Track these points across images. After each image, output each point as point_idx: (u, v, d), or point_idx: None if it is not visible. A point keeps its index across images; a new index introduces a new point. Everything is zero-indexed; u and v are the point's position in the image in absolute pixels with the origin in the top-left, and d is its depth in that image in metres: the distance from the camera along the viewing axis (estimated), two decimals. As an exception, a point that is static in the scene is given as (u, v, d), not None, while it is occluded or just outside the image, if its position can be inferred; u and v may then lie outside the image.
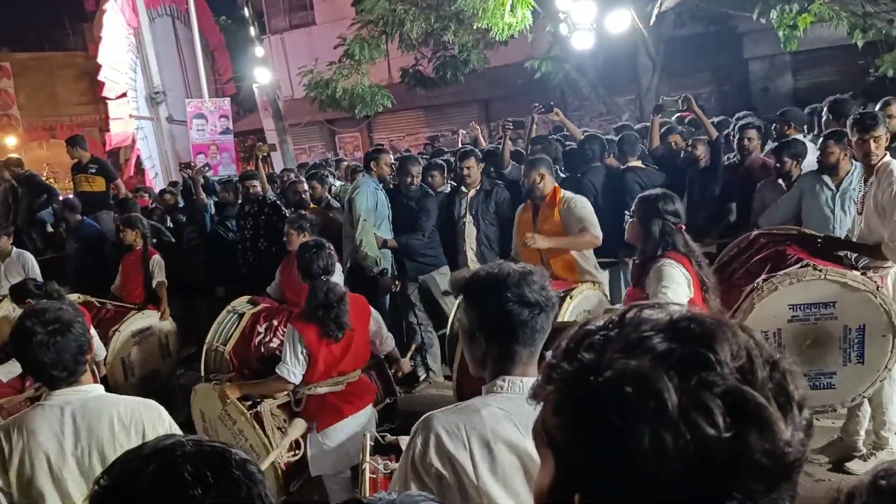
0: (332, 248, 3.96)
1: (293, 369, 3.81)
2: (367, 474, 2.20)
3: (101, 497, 1.05)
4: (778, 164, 5.36)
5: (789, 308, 3.72)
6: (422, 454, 1.74)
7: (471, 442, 1.72)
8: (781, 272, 3.73)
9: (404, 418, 4.55)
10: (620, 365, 0.78)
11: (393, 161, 6.50)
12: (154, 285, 6.27)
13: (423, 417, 1.82)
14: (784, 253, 4.07)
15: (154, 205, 9.22)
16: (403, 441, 2.41)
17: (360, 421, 3.91)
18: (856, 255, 4.19)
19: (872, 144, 4.10)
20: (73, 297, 5.84)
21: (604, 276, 5.54)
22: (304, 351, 3.80)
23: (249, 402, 4.01)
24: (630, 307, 0.86)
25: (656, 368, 0.76)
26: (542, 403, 0.90)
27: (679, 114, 7.63)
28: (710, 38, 13.96)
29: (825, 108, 6.26)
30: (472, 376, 2.00)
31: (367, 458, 2.28)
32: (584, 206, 4.90)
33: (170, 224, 8.46)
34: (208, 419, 4.28)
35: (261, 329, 5.21)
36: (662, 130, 6.69)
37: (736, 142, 6.26)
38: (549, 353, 0.90)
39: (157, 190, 13.21)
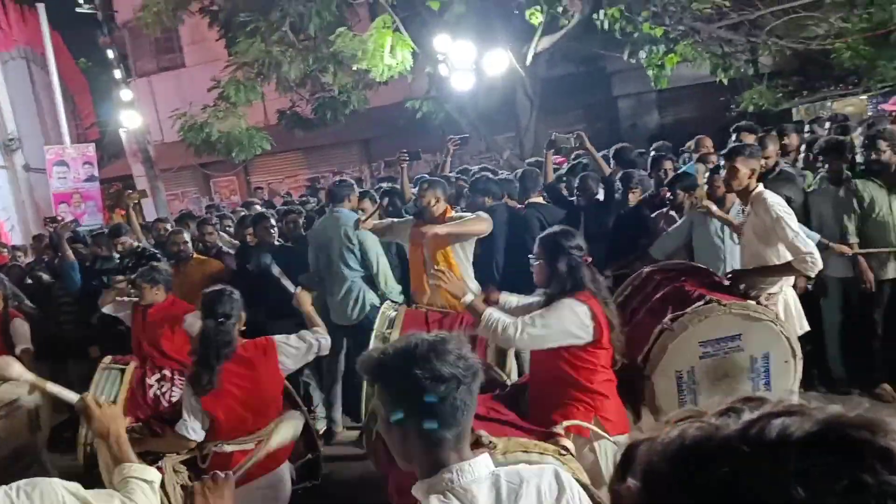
0: (236, 293, 3.66)
1: (192, 425, 3.51)
2: None
3: None
4: (671, 196, 5.51)
5: (700, 345, 3.73)
6: None
7: None
8: (689, 310, 3.74)
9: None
10: None
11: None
12: (18, 353, 5.63)
13: None
14: (683, 290, 4.09)
15: (12, 262, 8.45)
16: None
17: (272, 482, 3.62)
18: (745, 285, 4.27)
19: (740, 172, 4.25)
20: None
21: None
22: (199, 406, 3.49)
23: (151, 458, 3.62)
24: (753, 419, 0.71)
25: None
26: None
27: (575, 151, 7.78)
28: (582, 78, 14.55)
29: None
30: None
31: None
32: (468, 214, 5.14)
33: (28, 280, 7.75)
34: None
35: (151, 381, 4.88)
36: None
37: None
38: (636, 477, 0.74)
39: (12, 243, 12.19)
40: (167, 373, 5.03)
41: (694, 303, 3.82)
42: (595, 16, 10.02)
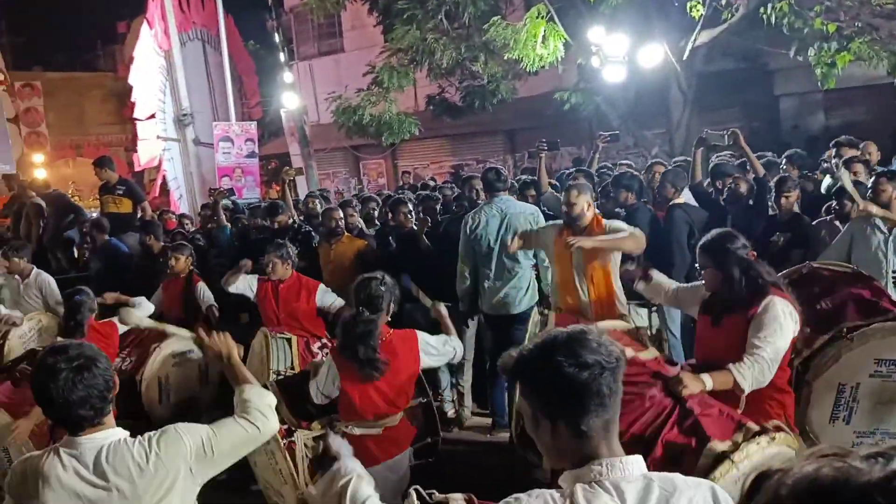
0: (388, 281, 3.79)
1: (322, 390, 3.76)
2: None
3: None
4: (837, 206, 5.19)
5: (874, 362, 3.48)
6: None
7: None
8: (877, 323, 3.47)
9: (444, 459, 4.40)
10: None
11: None
12: (204, 310, 6.27)
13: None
14: (863, 298, 3.75)
15: (177, 230, 9.16)
16: (454, 500, 2.21)
17: (393, 467, 3.74)
18: None
19: None
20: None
21: (642, 312, 5.37)
22: (338, 382, 3.68)
23: (286, 429, 3.88)
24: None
25: None
26: None
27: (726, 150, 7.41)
28: (742, 74, 13.83)
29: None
30: None
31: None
32: (624, 224, 4.79)
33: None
34: None
35: (315, 349, 5.42)
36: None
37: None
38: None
39: (180, 211, 13.21)
40: (326, 341, 5.44)
41: (880, 315, 3.57)
42: (761, 10, 9.51)
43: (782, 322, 3.19)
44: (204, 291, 6.34)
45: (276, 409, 3.62)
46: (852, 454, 0.69)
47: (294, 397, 4.08)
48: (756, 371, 3.14)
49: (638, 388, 2.86)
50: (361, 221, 7.57)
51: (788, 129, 14.59)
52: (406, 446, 3.85)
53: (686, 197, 5.98)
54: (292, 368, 4.96)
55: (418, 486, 2.21)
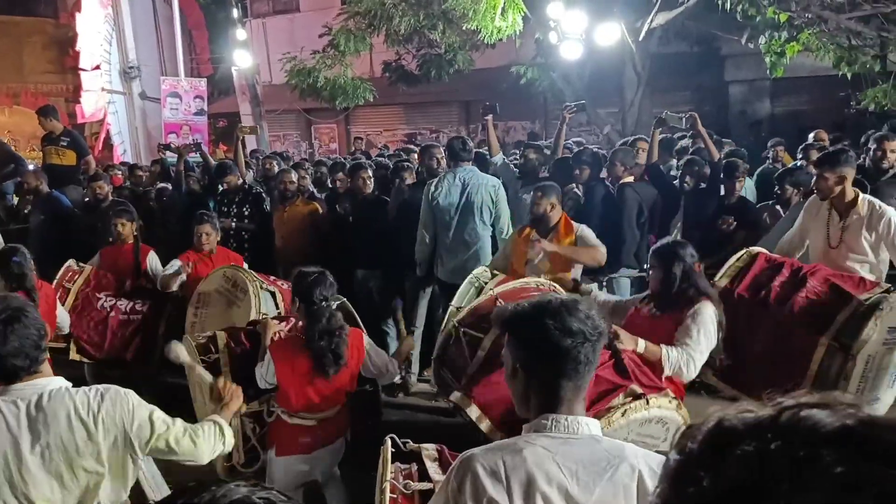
0: (332, 278, 3.73)
1: (265, 377, 3.68)
2: (388, 494, 2.05)
3: None
4: (779, 191, 5.37)
5: (888, 330, 3.64)
6: (455, 494, 1.64)
7: (511, 483, 1.62)
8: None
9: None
10: (793, 499, 0.63)
11: None
12: (159, 284, 5.86)
13: (461, 456, 1.71)
14: (847, 277, 3.96)
15: (127, 183, 8.93)
16: (426, 451, 2.29)
17: (324, 453, 3.75)
18: None
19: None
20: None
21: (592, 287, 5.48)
22: (273, 373, 3.63)
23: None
24: (784, 407, 0.70)
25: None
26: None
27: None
28: (695, 59, 14.08)
29: None
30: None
31: (389, 472, 2.14)
32: (590, 233, 4.86)
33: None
34: (189, 382, 4.06)
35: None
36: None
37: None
38: (672, 453, 0.75)
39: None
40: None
41: (870, 288, 3.77)
42: (718, -5, 9.66)
43: (710, 327, 3.46)
44: (154, 262, 5.98)
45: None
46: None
47: (237, 377, 4.01)
48: (683, 361, 3.39)
49: None
50: (311, 185, 7.50)
51: (736, 114, 14.94)
52: (342, 434, 3.83)
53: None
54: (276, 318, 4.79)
55: (393, 435, 2.28)
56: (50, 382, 2.33)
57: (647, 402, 2.81)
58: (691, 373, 3.42)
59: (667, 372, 3.36)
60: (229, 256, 5.72)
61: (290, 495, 1.00)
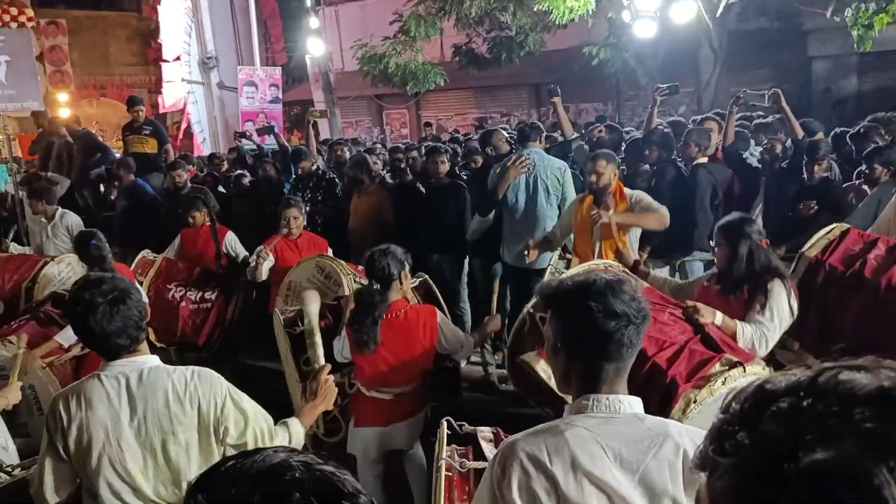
0: (395, 252, 3.74)
1: (343, 353, 3.81)
2: (443, 472, 2.08)
3: None
4: (867, 170, 5.14)
5: None
6: (499, 481, 1.63)
7: (553, 466, 1.61)
8: None
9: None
10: (823, 454, 0.64)
11: None
12: (240, 260, 6.23)
13: (504, 443, 1.71)
14: None
15: (204, 174, 9.20)
16: (482, 433, 2.32)
17: (400, 430, 3.81)
18: None
19: None
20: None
21: (665, 271, 5.39)
22: (348, 351, 3.75)
23: (307, 368, 4.00)
24: (824, 368, 0.72)
25: (870, 458, 0.63)
26: (703, 471, 0.75)
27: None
28: (775, 35, 13.54)
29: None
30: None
31: (444, 452, 2.18)
32: (647, 197, 4.81)
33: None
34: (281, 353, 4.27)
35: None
36: None
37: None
38: (718, 413, 0.76)
39: (201, 154, 13.23)
40: None
41: None
42: (800, -33, 9.30)
43: (784, 306, 3.39)
44: (233, 242, 6.30)
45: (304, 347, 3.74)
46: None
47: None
48: (756, 338, 3.34)
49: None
50: (380, 171, 7.57)
51: (819, 92, 14.32)
52: (420, 409, 3.88)
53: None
54: None
55: (449, 418, 2.31)
56: (148, 360, 2.45)
57: (745, 370, 2.78)
58: (762, 351, 3.35)
59: (740, 345, 3.30)
60: (314, 241, 5.80)
61: (328, 461, 1.03)
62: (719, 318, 3.29)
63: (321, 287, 4.91)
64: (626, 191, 4.83)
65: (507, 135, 6.59)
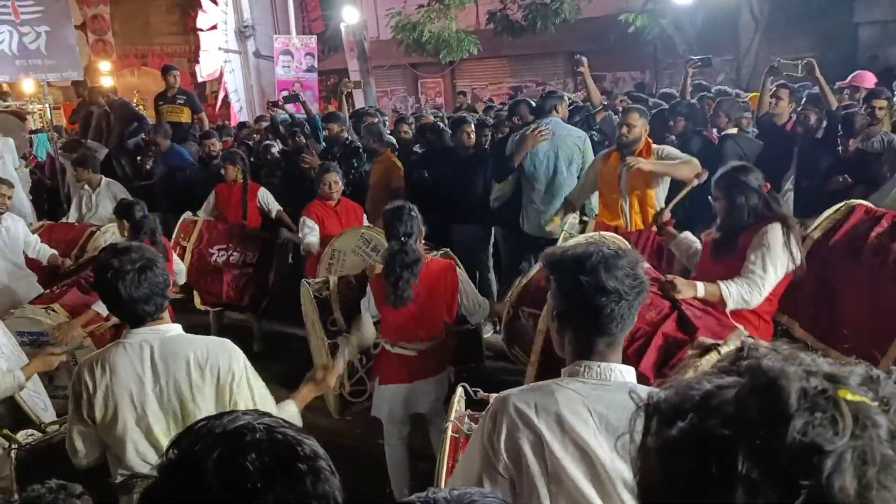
0: (415, 210, 3.83)
1: (368, 308, 3.90)
2: (449, 433, 2.14)
3: (169, 470, 1.05)
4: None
5: None
6: (491, 433, 1.69)
7: (539, 422, 1.66)
8: None
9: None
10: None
11: None
12: (274, 215, 6.45)
13: (497, 396, 1.78)
14: None
15: (237, 144, 9.29)
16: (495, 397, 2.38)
17: (426, 384, 3.88)
18: None
19: None
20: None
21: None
22: (374, 305, 3.84)
23: (334, 329, 4.13)
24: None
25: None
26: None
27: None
28: (818, 1, 13.15)
29: None
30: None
31: (453, 414, 2.24)
32: (675, 150, 4.78)
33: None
34: (305, 317, 4.47)
35: None
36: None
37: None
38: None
39: (237, 122, 13.33)
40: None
41: None
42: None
43: (779, 249, 3.28)
44: (266, 197, 6.46)
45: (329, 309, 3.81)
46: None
47: (348, 307, 4.27)
48: (744, 290, 3.27)
49: None
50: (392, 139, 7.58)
51: (866, 60, 13.87)
52: (443, 368, 3.95)
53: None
54: None
55: (465, 384, 2.38)
56: (171, 328, 2.54)
57: (720, 353, 2.74)
58: (755, 300, 3.30)
59: (730, 307, 3.27)
60: (352, 207, 5.85)
61: (304, 432, 1.10)
62: (701, 289, 3.23)
63: (366, 258, 4.98)
64: (654, 146, 4.81)
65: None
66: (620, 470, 1.62)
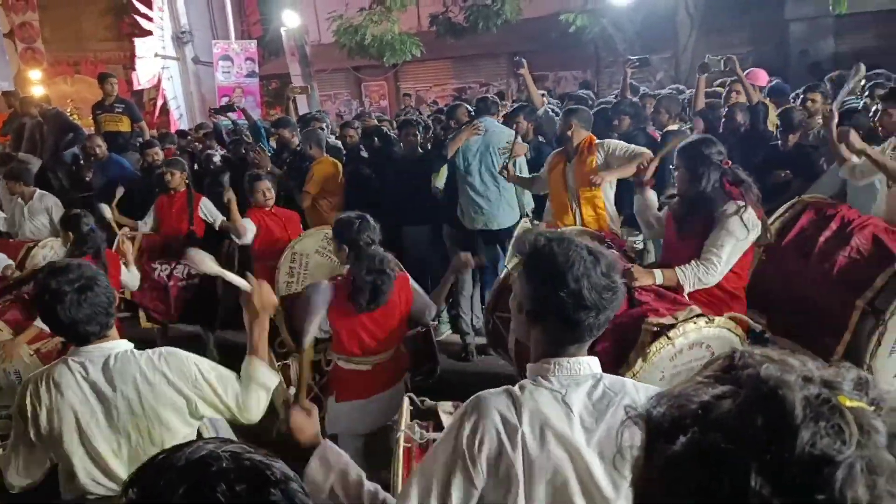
0: (373, 220, 3.77)
1: (315, 326, 3.74)
2: (402, 443, 2.11)
3: None
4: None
5: None
6: (469, 436, 1.63)
7: (523, 426, 1.63)
8: None
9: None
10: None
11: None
12: (218, 226, 6.27)
13: (472, 399, 1.71)
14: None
15: (179, 153, 9.09)
16: (442, 407, 2.35)
17: (381, 399, 3.80)
18: None
19: None
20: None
21: (637, 238, 5.44)
22: (325, 316, 3.70)
23: (282, 350, 4.02)
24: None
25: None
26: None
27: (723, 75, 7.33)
28: (752, -4, 13.54)
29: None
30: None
31: (403, 424, 2.21)
32: (620, 143, 4.89)
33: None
34: None
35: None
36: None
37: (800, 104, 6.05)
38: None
39: (178, 129, 13.06)
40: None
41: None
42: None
43: (736, 228, 3.37)
44: (209, 207, 6.31)
45: (276, 331, 3.74)
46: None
47: (295, 321, 4.19)
48: (701, 272, 3.38)
49: None
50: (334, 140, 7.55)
51: (797, 54, 14.34)
52: (398, 380, 3.89)
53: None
54: None
55: (411, 394, 2.34)
56: (117, 345, 2.45)
57: (669, 338, 2.77)
58: (713, 278, 3.40)
59: (688, 289, 3.36)
60: (287, 213, 5.86)
61: (255, 447, 1.05)
62: (659, 276, 3.32)
63: (332, 258, 4.90)
64: (597, 141, 4.92)
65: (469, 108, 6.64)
66: (601, 467, 1.62)
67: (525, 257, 1.80)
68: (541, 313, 1.74)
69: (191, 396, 2.44)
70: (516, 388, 1.72)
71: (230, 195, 5.57)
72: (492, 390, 1.73)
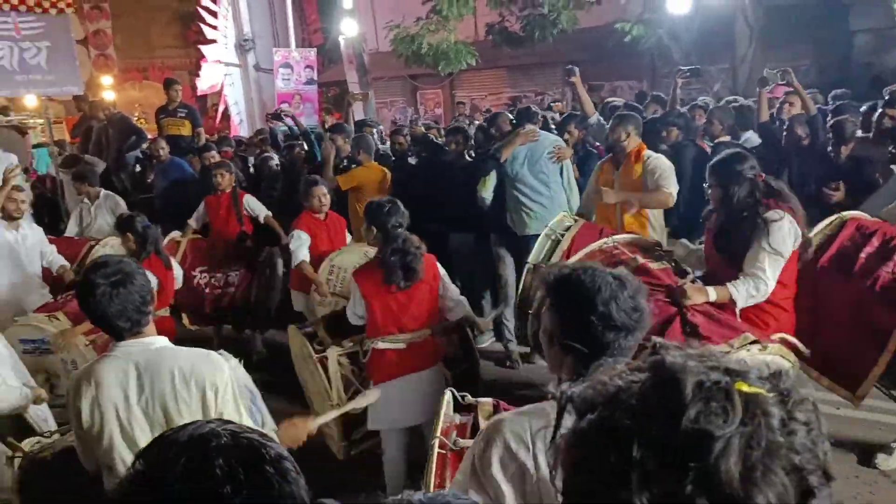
0: (402, 206, 3.96)
1: (355, 310, 3.95)
2: (436, 449, 2.14)
3: (135, 480, 1.06)
4: (894, 149, 5.05)
5: None
6: (481, 457, 1.70)
7: (536, 447, 1.67)
8: None
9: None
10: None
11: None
12: (262, 219, 6.53)
13: (491, 421, 1.77)
14: None
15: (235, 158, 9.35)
16: (482, 403, 2.40)
17: (420, 381, 3.88)
18: None
19: None
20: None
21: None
22: (361, 299, 3.87)
23: (321, 348, 4.13)
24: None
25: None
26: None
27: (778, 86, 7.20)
28: (814, 9, 13.21)
29: None
30: None
31: (443, 419, 2.26)
32: (664, 165, 4.87)
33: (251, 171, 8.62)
34: (294, 355, 4.52)
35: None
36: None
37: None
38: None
39: (237, 134, 13.39)
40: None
41: None
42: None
43: (774, 239, 3.34)
44: (252, 202, 6.55)
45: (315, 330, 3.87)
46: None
47: (333, 318, 4.34)
48: (751, 287, 3.35)
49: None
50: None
51: (860, 66, 13.94)
52: (432, 363, 3.96)
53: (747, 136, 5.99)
54: None
55: (452, 388, 2.41)
56: (154, 341, 2.53)
57: (765, 347, 2.78)
58: (763, 293, 3.38)
59: (740, 305, 3.35)
60: (339, 219, 5.97)
61: (254, 431, 1.13)
62: (712, 294, 3.29)
63: None
64: (646, 153, 4.94)
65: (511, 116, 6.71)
66: None
67: (551, 290, 1.83)
68: (570, 342, 1.76)
69: (217, 404, 2.48)
70: (537, 407, 1.76)
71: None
72: (511, 412, 1.78)
